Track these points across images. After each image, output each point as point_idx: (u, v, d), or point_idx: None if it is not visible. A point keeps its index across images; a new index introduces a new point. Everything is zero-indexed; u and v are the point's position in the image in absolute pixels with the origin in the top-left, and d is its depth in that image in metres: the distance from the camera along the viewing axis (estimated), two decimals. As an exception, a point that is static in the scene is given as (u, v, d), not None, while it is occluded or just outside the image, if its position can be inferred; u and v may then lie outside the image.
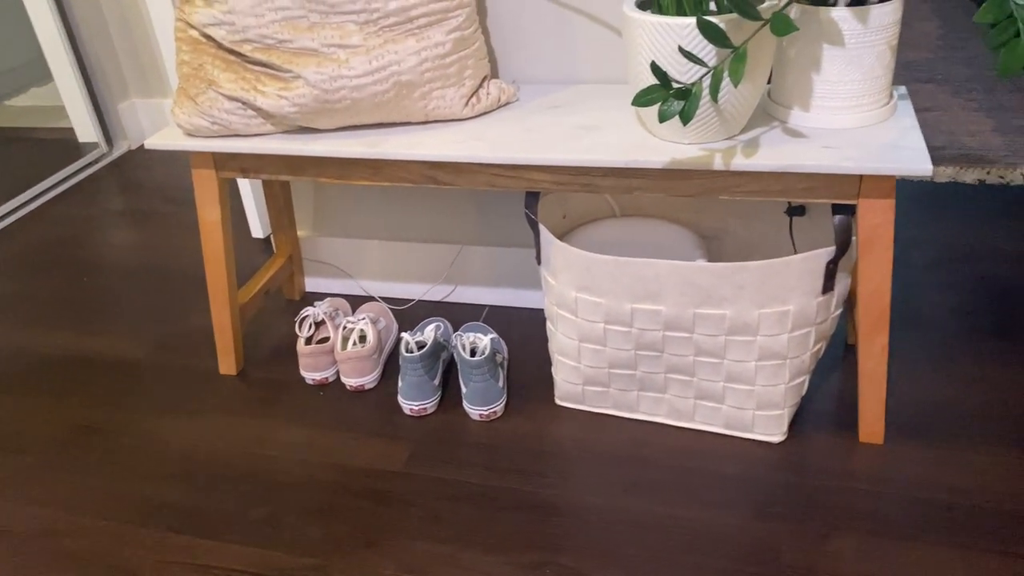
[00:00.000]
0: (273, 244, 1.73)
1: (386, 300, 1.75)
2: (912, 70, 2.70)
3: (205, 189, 1.40)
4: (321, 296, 1.80)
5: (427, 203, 1.66)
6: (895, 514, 1.18)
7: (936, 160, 2.14)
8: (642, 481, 1.27)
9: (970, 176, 2.07)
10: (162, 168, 2.52)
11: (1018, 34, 0.80)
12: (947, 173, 2.09)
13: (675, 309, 1.23)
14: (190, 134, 1.34)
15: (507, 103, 1.36)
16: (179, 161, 2.55)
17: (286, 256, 1.72)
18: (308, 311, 1.56)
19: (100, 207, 2.32)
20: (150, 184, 2.43)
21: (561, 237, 1.49)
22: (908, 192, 2.02)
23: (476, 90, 1.31)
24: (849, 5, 1.09)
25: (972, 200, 1.97)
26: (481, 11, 1.41)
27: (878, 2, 1.09)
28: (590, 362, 1.34)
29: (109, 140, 2.61)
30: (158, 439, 1.45)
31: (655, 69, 0.96)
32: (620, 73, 1.41)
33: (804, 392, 1.32)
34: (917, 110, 2.42)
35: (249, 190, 1.97)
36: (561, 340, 1.35)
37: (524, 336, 1.61)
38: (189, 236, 2.12)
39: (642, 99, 0.98)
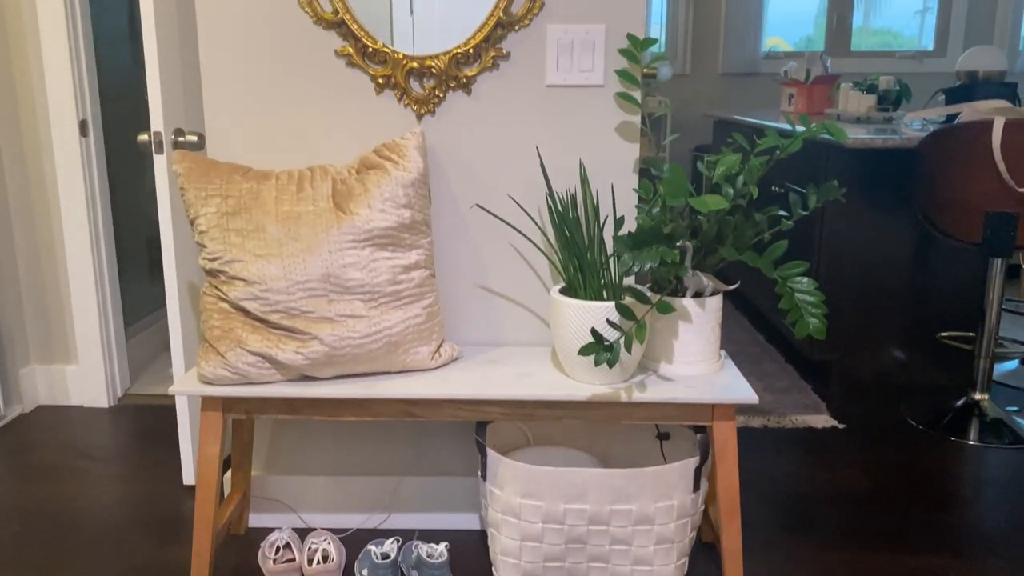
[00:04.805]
0: (228, 484, 1.97)
1: (326, 531, 2.02)
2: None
3: (210, 428, 1.70)
4: (264, 531, 2.03)
5: (367, 439, 2.02)
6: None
7: (731, 411, 2.83)
8: (579, 650, 1.61)
9: (757, 423, 2.76)
10: (62, 429, 2.65)
11: (802, 315, 1.44)
12: (740, 420, 2.77)
13: (596, 506, 1.66)
14: (208, 382, 1.67)
15: (456, 359, 1.84)
16: (74, 422, 2.69)
17: (241, 492, 1.97)
18: (275, 535, 1.81)
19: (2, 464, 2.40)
20: (51, 443, 2.55)
21: (489, 464, 1.90)
22: (717, 434, 2.65)
23: (438, 348, 1.78)
24: (693, 297, 1.72)
25: (760, 439, 2.63)
26: (432, 294, 1.92)
27: (710, 295, 1.73)
28: (529, 558, 1.71)
29: (4, 404, 2.71)
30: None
31: (594, 333, 1.49)
32: (531, 338, 1.95)
33: (685, 572, 1.76)
34: (709, 376, 3.16)
35: (190, 442, 2.21)
36: (504, 542, 1.72)
37: (453, 553, 1.94)
38: (100, 487, 2.26)
39: (585, 351, 1.49)
